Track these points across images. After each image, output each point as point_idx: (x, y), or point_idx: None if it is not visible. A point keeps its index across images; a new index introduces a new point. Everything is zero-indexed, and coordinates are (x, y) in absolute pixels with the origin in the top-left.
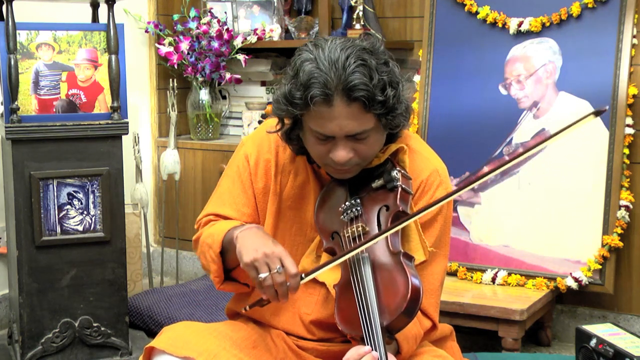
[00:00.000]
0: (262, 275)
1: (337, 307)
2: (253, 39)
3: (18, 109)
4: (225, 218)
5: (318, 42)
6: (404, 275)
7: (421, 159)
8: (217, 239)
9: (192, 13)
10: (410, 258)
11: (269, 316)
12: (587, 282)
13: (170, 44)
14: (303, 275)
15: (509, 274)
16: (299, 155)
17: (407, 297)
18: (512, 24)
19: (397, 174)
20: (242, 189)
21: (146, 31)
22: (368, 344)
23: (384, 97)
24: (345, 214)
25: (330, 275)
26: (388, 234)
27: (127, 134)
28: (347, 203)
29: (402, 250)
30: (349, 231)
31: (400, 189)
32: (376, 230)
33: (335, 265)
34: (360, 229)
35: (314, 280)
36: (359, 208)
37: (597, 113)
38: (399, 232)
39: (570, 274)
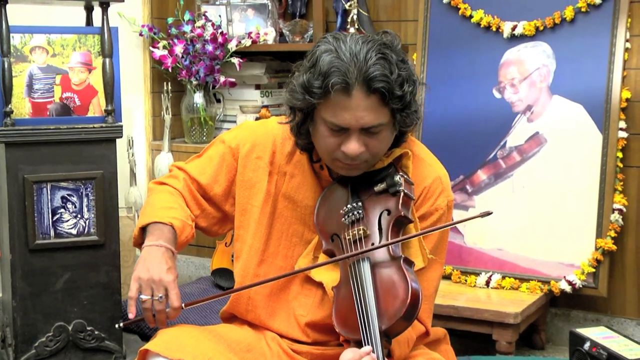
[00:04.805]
0: (143, 297)
1: (335, 309)
2: (247, 42)
3: (12, 112)
4: (200, 186)
5: (338, 35)
6: (404, 280)
7: (424, 166)
8: (145, 219)
9: (187, 16)
10: (410, 263)
11: (264, 317)
12: (581, 286)
13: (164, 47)
14: (183, 305)
15: (503, 277)
16: (303, 152)
17: (406, 302)
18: (506, 27)
19: (399, 178)
20: (220, 169)
21: (140, 34)
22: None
23: (401, 92)
24: (346, 217)
25: (329, 276)
26: (388, 244)
27: (121, 137)
28: (348, 206)
29: (402, 255)
30: (350, 234)
31: (402, 193)
32: (377, 234)
33: (334, 266)
34: (361, 232)
35: (311, 281)
36: (360, 211)
37: (485, 214)
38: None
39: (564, 277)
